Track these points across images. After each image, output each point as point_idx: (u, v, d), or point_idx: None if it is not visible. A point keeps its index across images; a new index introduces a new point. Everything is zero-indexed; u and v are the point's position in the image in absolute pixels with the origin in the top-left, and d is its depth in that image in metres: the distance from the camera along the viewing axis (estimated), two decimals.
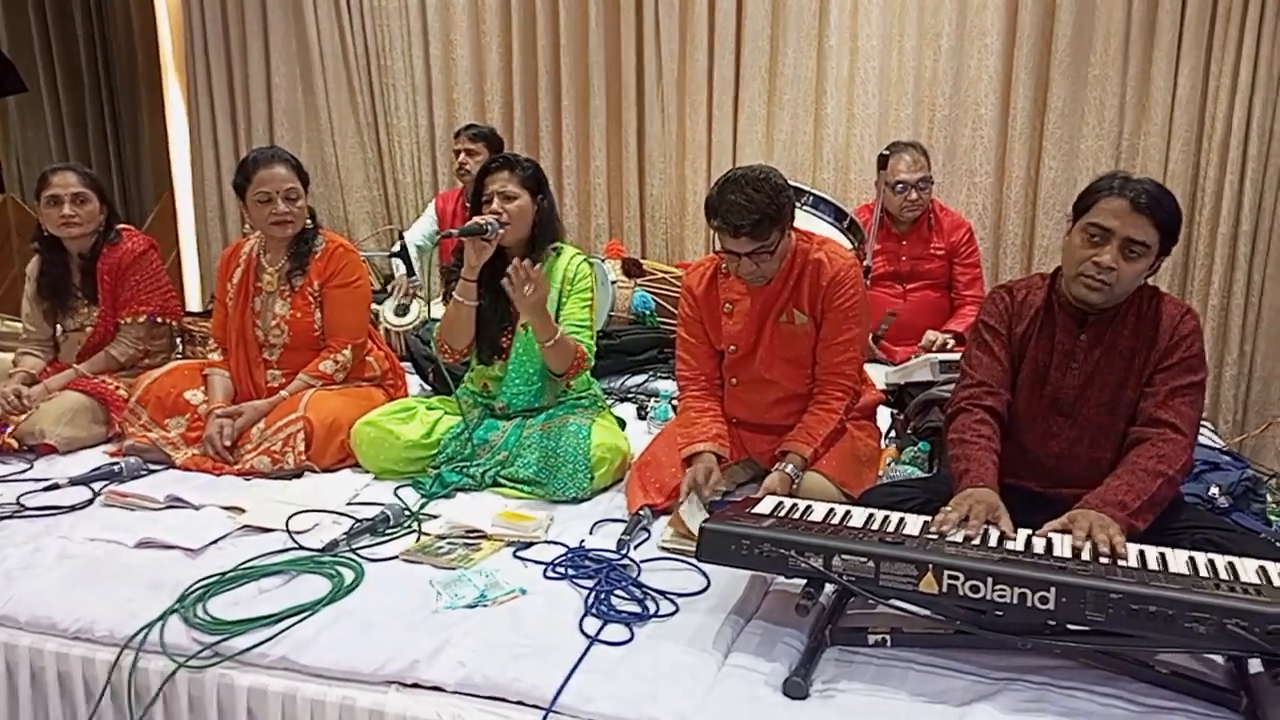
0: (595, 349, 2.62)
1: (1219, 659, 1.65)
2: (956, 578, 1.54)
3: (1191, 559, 1.61)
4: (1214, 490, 2.27)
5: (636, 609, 1.84)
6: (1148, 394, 1.90)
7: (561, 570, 2.00)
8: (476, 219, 2.46)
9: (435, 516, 2.27)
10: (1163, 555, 1.63)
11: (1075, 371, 1.95)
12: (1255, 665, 1.57)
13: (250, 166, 2.70)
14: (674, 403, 2.95)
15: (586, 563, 2.02)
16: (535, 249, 2.56)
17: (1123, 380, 1.93)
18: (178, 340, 3.31)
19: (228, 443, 2.63)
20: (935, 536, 1.68)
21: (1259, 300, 3.75)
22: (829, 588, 1.72)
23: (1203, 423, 2.35)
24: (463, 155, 3.99)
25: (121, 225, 3.06)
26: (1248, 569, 1.57)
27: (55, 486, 2.45)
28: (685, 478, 2.23)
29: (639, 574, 1.98)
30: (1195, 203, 3.77)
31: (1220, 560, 1.61)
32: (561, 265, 2.59)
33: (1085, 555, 1.62)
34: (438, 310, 3.02)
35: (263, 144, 4.62)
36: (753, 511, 1.83)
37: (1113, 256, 1.83)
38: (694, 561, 1.97)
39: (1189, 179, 3.77)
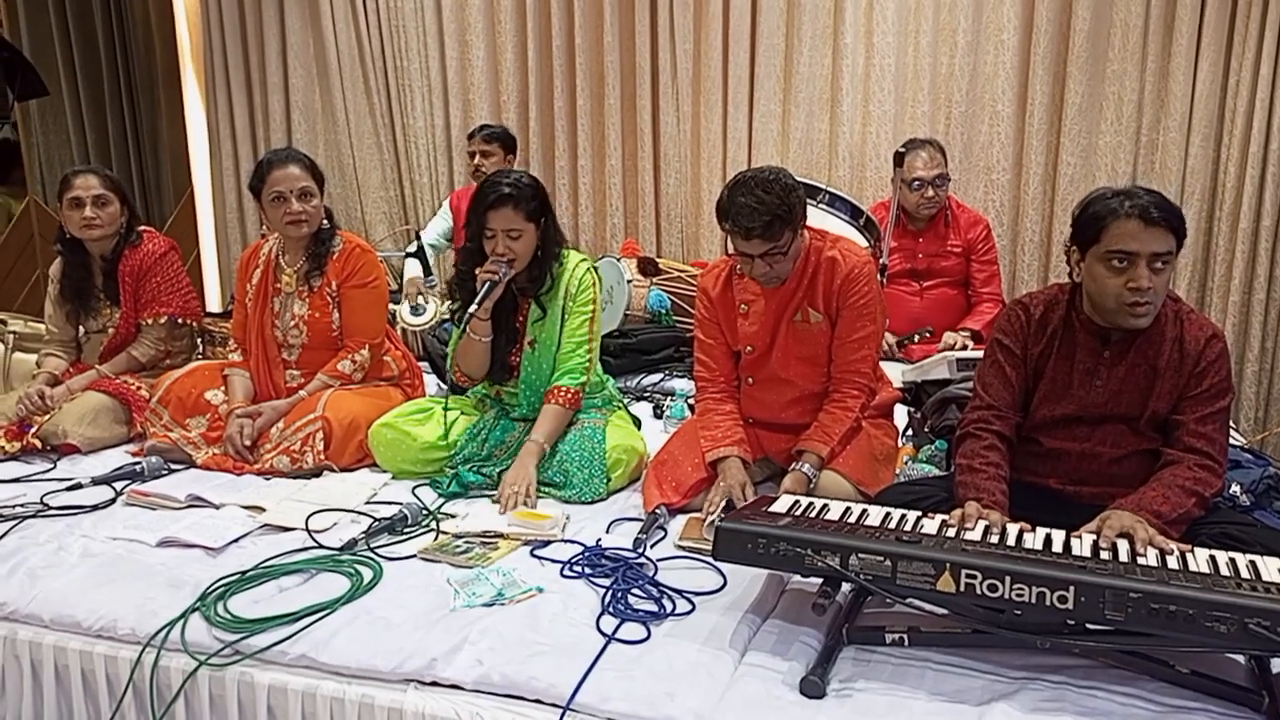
0: (598, 357, 2.63)
1: (1240, 658, 1.64)
2: (974, 576, 1.54)
3: (1212, 558, 1.60)
4: (1235, 488, 2.26)
5: (653, 608, 1.84)
6: (1178, 421, 1.90)
7: (578, 569, 2.00)
8: (488, 275, 2.44)
9: (453, 516, 2.29)
10: (1183, 554, 1.62)
11: (1099, 388, 1.94)
12: (1278, 665, 1.57)
13: (265, 168, 2.72)
14: (690, 402, 2.94)
15: (603, 561, 2.02)
16: (540, 268, 2.53)
17: (1146, 396, 1.92)
18: (198, 341, 3.34)
19: (248, 442, 2.66)
20: (953, 535, 1.68)
21: None
22: (846, 587, 1.72)
23: None
24: (477, 157, 3.99)
25: (142, 227, 3.09)
26: (1269, 568, 1.56)
27: (78, 486, 2.47)
28: (718, 488, 2.22)
29: (656, 573, 1.98)
30: (1215, 199, 3.73)
31: (1241, 559, 1.60)
32: (564, 279, 2.56)
33: (1105, 555, 1.61)
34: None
35: (280, 144, 4.66)
36: (769, 510, 1.83)
37: (1147, 277, 1.81)
38: (711, 560, 1.97)
39: (1209, 175, 3.73)
